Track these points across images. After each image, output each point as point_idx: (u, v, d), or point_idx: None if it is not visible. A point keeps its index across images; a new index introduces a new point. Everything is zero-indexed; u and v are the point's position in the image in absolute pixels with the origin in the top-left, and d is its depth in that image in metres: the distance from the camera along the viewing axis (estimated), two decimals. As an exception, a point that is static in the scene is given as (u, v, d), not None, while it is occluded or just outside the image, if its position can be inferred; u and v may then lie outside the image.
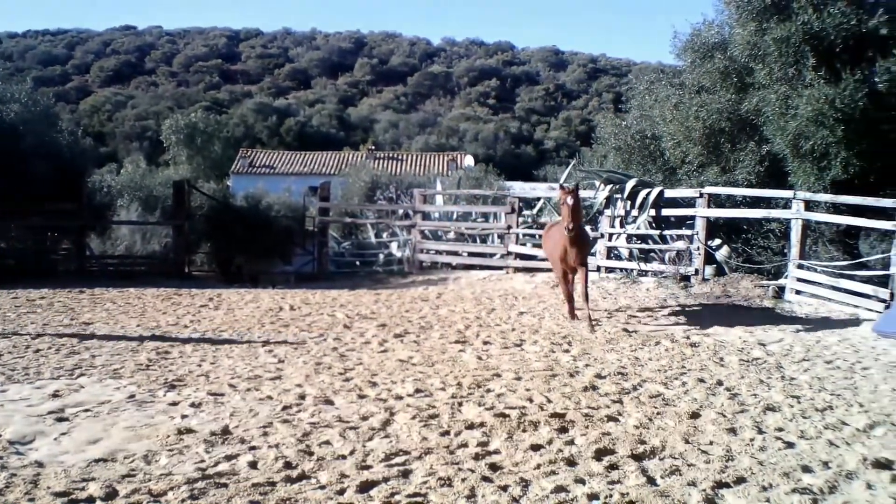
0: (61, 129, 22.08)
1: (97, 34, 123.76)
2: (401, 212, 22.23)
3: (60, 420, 6.44)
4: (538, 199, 20.47)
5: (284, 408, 6.76)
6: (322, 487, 4.97)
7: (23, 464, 5.39)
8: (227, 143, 62.59)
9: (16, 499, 4.73)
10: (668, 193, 16.70)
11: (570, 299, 11.77)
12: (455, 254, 19.81)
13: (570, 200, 10.73)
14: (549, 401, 6.99)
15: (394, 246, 21.65)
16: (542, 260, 17.23)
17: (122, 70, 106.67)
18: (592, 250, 16.72)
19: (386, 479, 5.08)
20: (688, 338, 10.36)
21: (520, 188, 19.36)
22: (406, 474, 5.20)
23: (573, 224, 10.73)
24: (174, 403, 6.91)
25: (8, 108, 19.78)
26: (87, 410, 6.71)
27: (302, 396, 7.14)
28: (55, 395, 7.21)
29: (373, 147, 63.80)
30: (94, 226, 21.33)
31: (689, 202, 16.30)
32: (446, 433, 6.08)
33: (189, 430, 6.09)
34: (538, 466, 5.34)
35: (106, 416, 6.49)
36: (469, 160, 52.58)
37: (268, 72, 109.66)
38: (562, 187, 11.30)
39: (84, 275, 18.57)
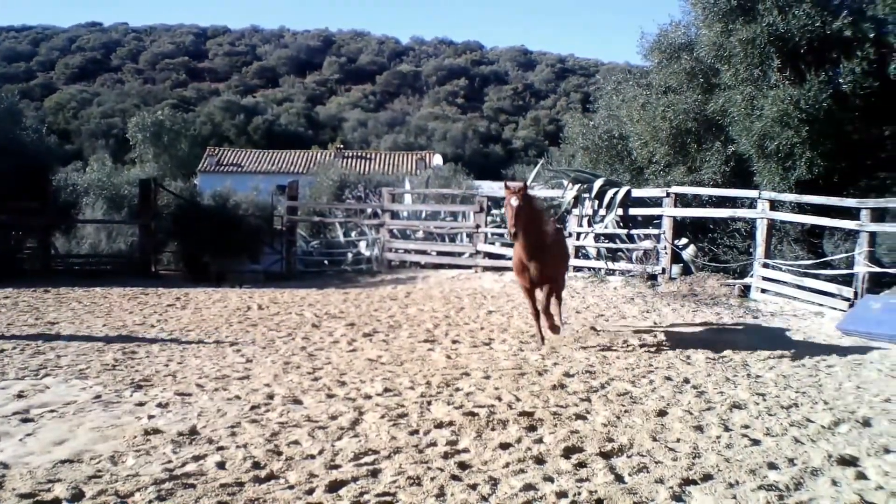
0: (25, 126, 21.77)
1: (62, 31, 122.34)
2: (369, 211, 22.22)
3: (25, 421, 6.35)
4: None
5: (253, 407, 6.72)
6: (291, 487, 4.95)
7: (-13, 466, 5.32)
8: (195, 142, 62.05)
9: (-21, 501, 4.68)
10: (636, 193, 16.83)
11: (536, 318, 9.76)
12: (424, 253, 19.82)
13: (513, 201, 8.84)
14: (518, 399, 7.01)
15: (362, 245, 21.64)
16: (510, 259, 17.32)
17: (88, 67, 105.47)
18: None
19: (355, 479, 5.07)
20: (655, 336, 10.44)
21: (488, 187, 19.50)
22: (375, 474, 5.19)
23: (516, 229, 8.86)
24: (141, 404, 6.85)
25: (-30, 105, 19.50)
26: (52, 411, 6.63)
27: (270, 396, 7.11)
28: (20, 395, 7.12)
29: (341, 146, 63.66)
30: (60, 224, 21.09)
31: (656, 202, 16.44)
32: (415, 432, 6.07)
33: (156, 431, 6.04)
34: (507, 465, 5.36)
35: (72, 416, 6.42)
36: (438, 159, 52.56)
37: (235, 70, 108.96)
38: (506, 186, 9.13)
39: (49, 274, 18.37)
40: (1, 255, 19.25)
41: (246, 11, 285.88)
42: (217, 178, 42.43)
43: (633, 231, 16.97)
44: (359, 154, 57.38)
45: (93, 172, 26.30)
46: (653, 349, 9.53)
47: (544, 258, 9.27)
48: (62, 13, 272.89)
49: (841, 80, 14.97)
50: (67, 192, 22.03)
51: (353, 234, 22.66)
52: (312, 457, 5.51)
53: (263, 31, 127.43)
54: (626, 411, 6.66)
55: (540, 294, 9.49)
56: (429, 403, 6.86)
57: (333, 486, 4.95)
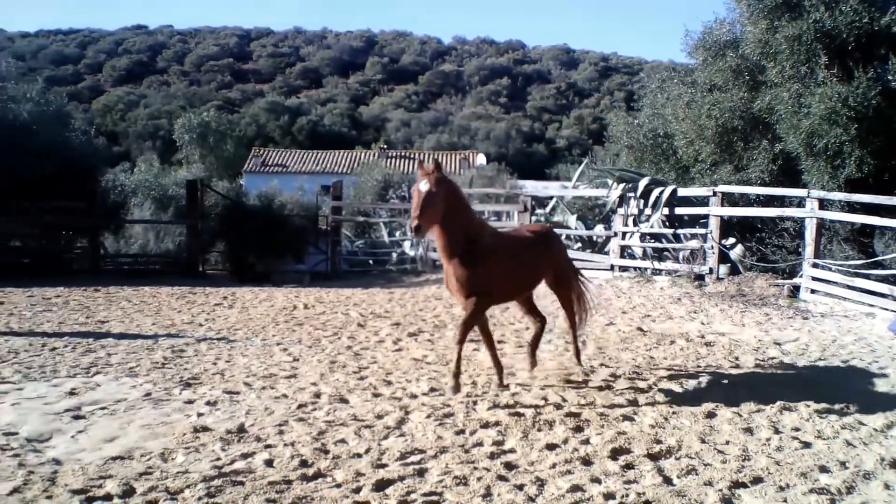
0: (74, 128, 22.16)
1: (109, 34, 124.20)
2: (413, 210, 22.20)
3: (77, 418, 6.47)
4: (551, 197, 20.45)
5: (300, 406, 6.78)
6: (338, 486, 4.98)
7: (40, 461, 5.42)
8: (240, 143, 62.78)
9: (34, 496, 4.76)
10: (682, 192, 16.68)
11: (490, 346, 7.66)
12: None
13: (423, 185, 6.88)
14: (565, 400, 6.98)
15: (407, 245, 21.66)
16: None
17: (135, 69, 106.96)
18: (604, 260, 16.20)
19: (402, 478, 5.08)
20: (702, 337, 10.33)
21: (532, 187, 19.44)
22: (421, 473, 5.20)
23: (419, 221, 6.74)
24: (190, 401, 6.94)
25: (21, 108, 19.87)
26: (103, 408, 6.74)
27: (317, 395, 7.16)
28: (72, 392, 7.25)
29: (385, 146, 63.88)
30: (108, 225, 21.40)
31: (703, 201, 16.28)
32: (461, 432, 6.08)
33: (205, 428, 6.11)
34: (554, 466, 5.34)
35: (122, 414, 6.52)
36: (481, 159, 52.58)
37: (279, 71, 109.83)
38: (420, 164, 7.28)
39: (99, 273, 18.67)
40: (51, 254, 19.62)
41: (289, 13, 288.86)
42: (262, 179, 42.81)
43: (680, 231, 16.82)
44: (402, 154, 57.52)
45: (140, 173, 26.69)
46: (700, 350, 9.43)
47: (467, 263, 7.10)
48: (109, 16, 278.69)
49: (890, 77, 14.70)
50: (116, 193, 22.35)
51: (397, 233, 22.71)
52: (359, 455, 5.53)
53: (306, 33, 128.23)
54: (673, 413, 6.60)
55: (463, 310, 7.44)
56: (474, 403, 6.86)
57: (380, 485, 4.97)
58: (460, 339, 7.17)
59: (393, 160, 51.28)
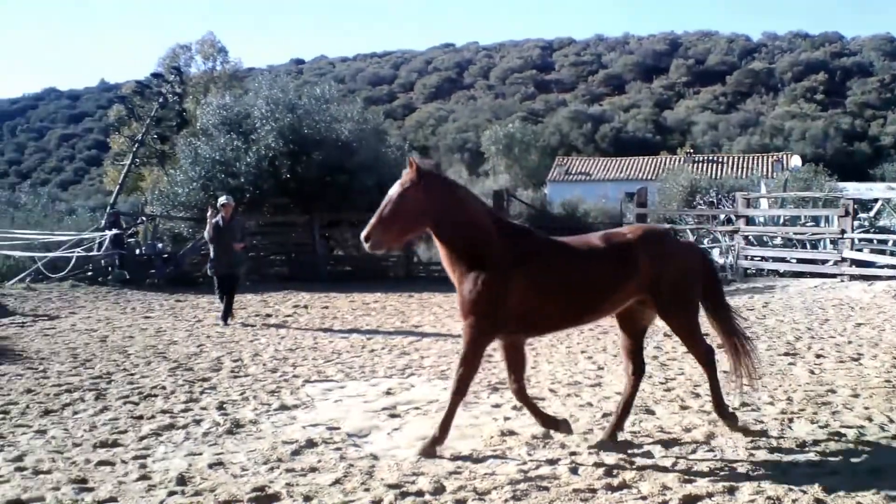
0: (389, 144, 23.69)
1: (419, 53, 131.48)
2: (722, 217, 21.49)
3: (393, 416, 6.87)
4: (875, 200, 18.86)
5: (604, 415, 6.73)
6: (643, 498, 4.88)
7: (359, 455, 5.80)
8: (543, 152, 63.91)
9: (353, 488, 5.09)
10: None
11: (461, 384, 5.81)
12: (782, 260, 18.78)
13: (392, 189, 5.83)
14: (892, 421, 6.40)
15: (715, 252, 20.91)
16: (882, 267, 15.87)
17: (443, 86, 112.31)
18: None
19: (710, 495, 4.89)
20: None
21: (854, 189, 18.05)
22: (731, 491, 4.96)
23: (368, 230, 5.69)
24: (497, 405, 7.12)
25: (342, 127, 21.60)
26: (416, 408, 7.10)
27: (622, 404, 7.07)
28: (388, 392, 7.72)
29: (691, 150, 62.20)
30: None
31: None
32: (776, 450, 5.74)
33: (511, 432, 6.24)
34: (878, 491, 4.87)
35: (434, 414, 6.79)
36: (795, 160, 49.57)
37: (581, 79, 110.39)
38: (411, 164, 5.78)
39: (412, 280, 19.80)
40: (371, 263, 21.05)
41: (590, 21, 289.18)
42: (566, 187, 43.29)
43: None
44: (709, 158, 55.61)
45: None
46: None
47: (469, 279, 5.70)
48: (419, 37, 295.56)
49: None
50: (428, 205, 23.53)
51: (705, 241, 22.01)
52: (665, 469, 5.38)
53: (608, 40, 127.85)
54: None
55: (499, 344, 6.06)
56: (790, 420, 6.47)
57: (687, 501, 4.81)
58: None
59: (699, 165, 49.73)
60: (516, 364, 6.00)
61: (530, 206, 23.08)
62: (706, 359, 6.18)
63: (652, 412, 6.83)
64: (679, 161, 51.52)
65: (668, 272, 6.00)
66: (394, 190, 5.74)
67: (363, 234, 5.68)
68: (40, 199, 30.36)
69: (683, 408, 6.97)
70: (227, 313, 12.58)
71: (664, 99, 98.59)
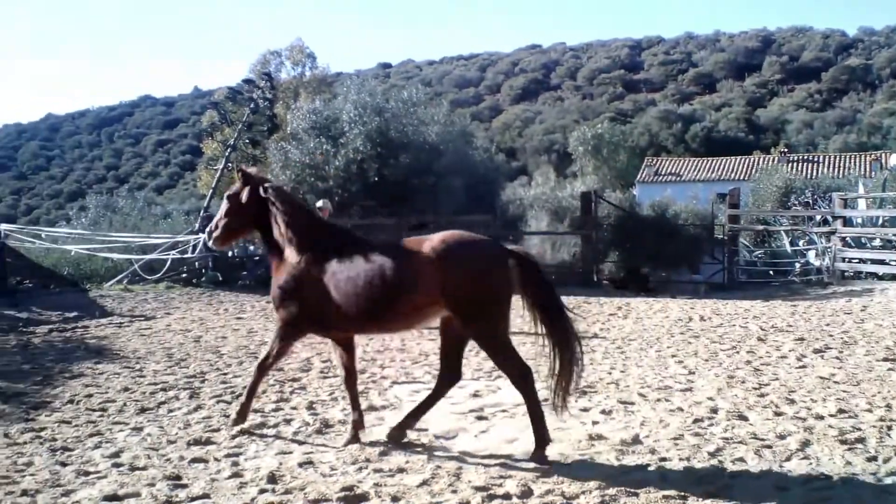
0: (476, 146, 23.77)
1: (506, 55, 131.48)
2: (818, 218, 20.85)
3: (480, 419, 6.87)
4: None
5: (695, 420, 6.59)
6: (737, 506, 4.75)
7: (447, 456, 5.82)
8: (633, 153, 63.18)
9: (440, 489, 5.11)
10: None
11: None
12: (882, 262, 18.10)
13: (228, 191, 6.71)
14: None
15: (811, 254, 20.31)
16: None
17: (530, 87, 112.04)
18: None
19: (807, 504, 4.73)
20: None
21: (960, 188, 17.23)
22: (826, 500, 4.79)
23: (216, 232, 6.63)
24: (585, 409, 7.04)
25: (429, 130, 21.73)
26: (503, 411, 7.09)
27: (714, 410, 6.92)
28: (475, 395, 7.72)
29: (785, 149, 60.74)
30: (507, 236, 22.54)
31: None
32: (873, 459, 5.54)
33: (599, 437, 6.17)
34: None
35: (521, 417, 6.74)
36: (894, 159, 47.88)
37: (671, 78, 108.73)
38: (238, 172, 6.70)
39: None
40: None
41: (679, 19, 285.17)
42: (655, 188, 42.71)
43: None
44: (804, 157, 54.12)
45: (537, 187, 27.87)
46: None
47: (274, 275, 6.42)
48: (505, 39, 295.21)
49: None
50: (515, 206, 23.51)
51: (800, 242, 21.39)
52: (758, 476, 5.25)
53: (698, 38, 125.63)
54: None
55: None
56: (889, 428, 6.23)
57: (783, 510, 4.66)
58: (261, 364, 6.45)
59: (794, 164, 48.46)
60: (346, 357, 6.56)
61: (619, 207, 22.76)
62: (519, 378, 5.75)
63: (745, 418, 6.66)
64: (773, 161, 50.22)
65: (461, 280, 5.74)
66: (226, 193, 6.53)
67: (206, 232, 6.43)
68: (137, 203, 31.42)
69: (777, 414, 6.77)
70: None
71: (757, 97, 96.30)
